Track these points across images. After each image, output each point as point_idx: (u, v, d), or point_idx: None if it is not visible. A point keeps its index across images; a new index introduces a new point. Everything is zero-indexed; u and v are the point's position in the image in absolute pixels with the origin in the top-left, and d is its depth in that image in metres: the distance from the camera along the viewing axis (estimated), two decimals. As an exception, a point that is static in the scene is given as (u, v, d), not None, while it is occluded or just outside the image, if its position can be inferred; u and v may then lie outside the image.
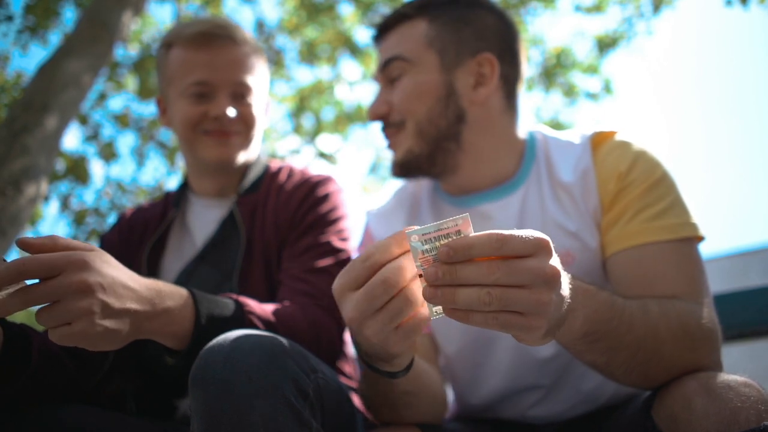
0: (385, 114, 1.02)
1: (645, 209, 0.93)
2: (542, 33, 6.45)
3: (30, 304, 0.66)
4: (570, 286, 0.64)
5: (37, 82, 3.30)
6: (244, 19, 8.54)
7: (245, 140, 1.20)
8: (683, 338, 0.81)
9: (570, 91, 6.75)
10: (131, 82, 6.02)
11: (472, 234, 0.57)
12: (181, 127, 1.18)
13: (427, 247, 0.58)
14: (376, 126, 1.06)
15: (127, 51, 5.87)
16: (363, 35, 6.64)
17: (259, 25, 6.30)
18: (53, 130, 3.18)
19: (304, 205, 1.17)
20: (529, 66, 6.23)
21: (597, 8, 5.96)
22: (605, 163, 0.99)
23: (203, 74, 1.16)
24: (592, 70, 6.58)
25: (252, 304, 0.92)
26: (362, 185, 7.49)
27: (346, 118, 6.79)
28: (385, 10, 6.19)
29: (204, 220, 1.23)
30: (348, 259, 1.12)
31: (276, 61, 6.26)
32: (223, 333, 0.78)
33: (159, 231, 1.22)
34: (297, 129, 6.77)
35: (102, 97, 5.97)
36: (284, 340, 0.78)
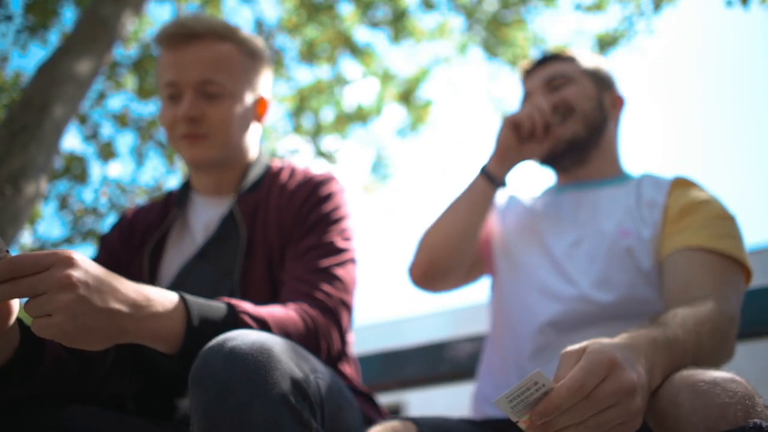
0: (558, 104, 1.29)
1: (712, 227, 1.08)
2: (543, 31, 6.43)
3: (16, 294, 0.68)
4: (647, 353, 0.75)
5: (36, 81, 3.30)
6: (243, 19, 8.52)
7: (217, 141, 1.17)
8: (720, 339, 0.92)
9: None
10: (130, 81, 6.02)
11: (550, 384, 0.65)
12: (166, 131, 1.20)
13: (515, 402, 0.65)
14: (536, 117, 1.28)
15: (126, 51, 5.87)
16: (363, 35, 6.65)
17: (259, 25, 6.29)
18: (52, 130, 3.18)
19: (307, 205, 1.16)
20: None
21: (597, 7, 5.95)
22: (679, 194, 1.18)
23: (171, 75, 1.15)
24: (592, 69, 6.58)
25: (245, 305, 0.92)
26: (364, 185, 7.49)
27: (346, 118, 6.79)
28: (385, 9, 6.19)
29: (205, 218, 1.23)
30: (351, 260, 1.13)
31: (276, 60, 6.26)
32: (216, 335, 0.78)
33: (161, 231, 1.22)
34: (297, 129, 6.77)
35: (101, 96, 5.97)
36: (284, 340, 0.79)
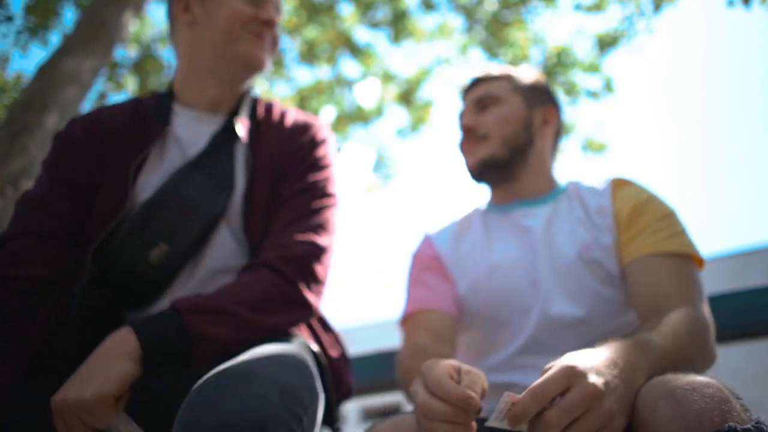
0: (473, 127, 1.34)
1: (662, 230, 1.16)
2: (543, 32, 6.42)
3: None
4: (625, 356, 0.79)
5: (36, 82, 3.30)
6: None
7: (272, 53, 1.27)
8: (697, 344, 0.97)
9: (571, 90, 6.75)
10: (131, 82, 6.03)
11: (519, 399, 0.72)
12: (229, 22, 1.20)
13: (503, 420, 0.73)
14: (459, 137, 1.38)
15: (127, 51, 5.87)
16: (363, 35, 6.64)
17: (259, 25, 6.28)
18: (53, 130, 3.18)
19: (305, 146, 1.22)
20: (529, 65, 6.24)
21: (597, 7, 5.95)
22: (623, 196, 1.24)
23: None
24: (593, 68, 6.58)
25: (198, 301, 0.97)
26: (366, 185, 7.49)
27: (347, 118, 6.79)
28: (385, 10, 6.19)
29: (196, 132, 1.22)
30: (336, 205, 1.19)
31: (276, 61, 6.26)
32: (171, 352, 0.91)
33: (145, 141, 1.18)
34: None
35: (102, 97, 5.97)
36: (275, 395, 0.77)
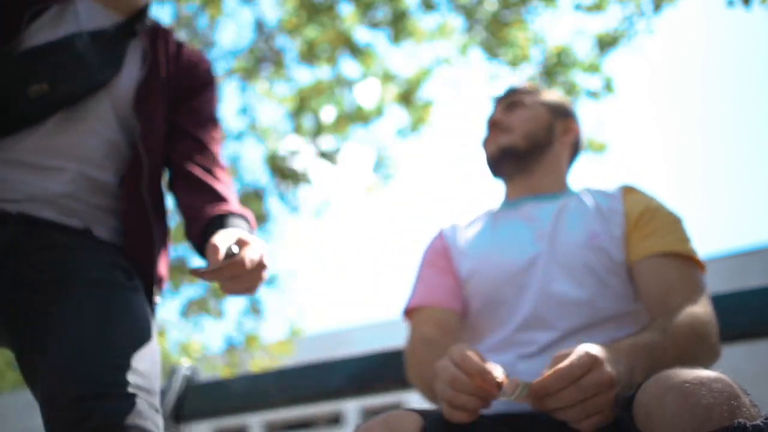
0: (500, 121, 1.46)
1: (673, 233, 1.23)
2: (543, 32, 6.40)
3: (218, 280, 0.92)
4: (628, 355, 0.92)
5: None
6: (243, 20, 8.51)
7: None
8: (698, 340, 1.06)
9: (571, 90, 6.74)
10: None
11: (542, 378, 0.84)
12: None
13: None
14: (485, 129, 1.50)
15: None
16: (363, 35, 6.63)
17: (259, 26, 6.29)
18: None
19: (204, 76, 1.32)
20: (529, 65, 6.24)
21: (597, 7, 5.94)
22: (633, 201, 1.31)
23: None
24: (593, 68, 6.57)
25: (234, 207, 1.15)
26: (366, 185, 7.48)
27: (347, 118, 6.79)
28: (385, 10, 6.19)
29: (95, 20, 1.24)
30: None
31: (276, 61, 6.26)
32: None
33: (48, 1, 1.20)
34: (297, 129, 6.77)
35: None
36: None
